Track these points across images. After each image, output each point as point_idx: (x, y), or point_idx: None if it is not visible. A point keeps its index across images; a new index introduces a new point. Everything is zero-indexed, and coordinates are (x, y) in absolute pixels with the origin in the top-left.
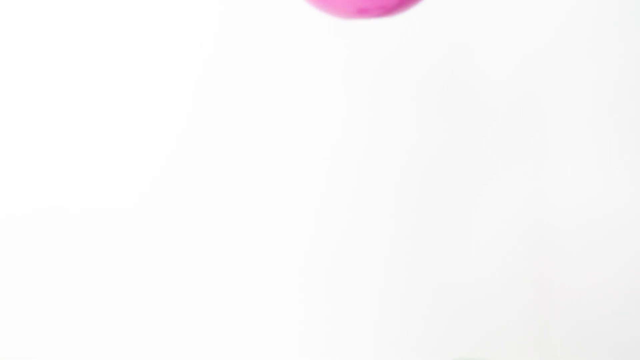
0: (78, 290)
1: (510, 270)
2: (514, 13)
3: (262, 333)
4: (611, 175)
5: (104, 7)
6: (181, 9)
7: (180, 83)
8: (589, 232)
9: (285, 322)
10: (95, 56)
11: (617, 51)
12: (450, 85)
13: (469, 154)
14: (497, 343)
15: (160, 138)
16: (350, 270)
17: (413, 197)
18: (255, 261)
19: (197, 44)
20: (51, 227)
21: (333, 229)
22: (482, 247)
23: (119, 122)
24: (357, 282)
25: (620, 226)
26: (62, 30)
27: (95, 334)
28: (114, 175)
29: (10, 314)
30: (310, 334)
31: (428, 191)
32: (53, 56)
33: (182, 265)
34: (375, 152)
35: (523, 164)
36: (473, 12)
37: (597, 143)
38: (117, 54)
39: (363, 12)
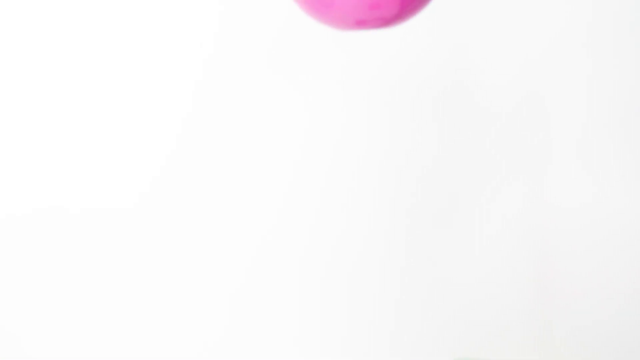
0: (78, 290)
1: (511, 270)
2: (514, 16)
3: (262, 332)
4: (614, 177)
5: (104, 7)
6: (180, 11)
7: (180, 83)
8: (591, 233)
9: (285, 322)
10: (95, 56)
11: (619, 53)
12: (451, 88)
13: (471, 155)
14: (498, 343)
15: (160, 138)
16: (350, 271)
17: (414, 198)
18: (254, 261)
19: (197, 44)
20: (51, 227)
21: (331, 230)
22: (484, 246)
23: (118, 122)
24: (357, 282)
25: (622, 227)
26: (62, 30)
27: (95, 334)
28: (114, 175)
29: (10, 314)
30: (310, 334)
31: (430, 191)
32: (53, 56)
33: (182, 265)
34: (374, 153)
35: (525, 166)
36: (472, 17)
37: (600, 145)
38: (117, 54)
39: (361, 23)
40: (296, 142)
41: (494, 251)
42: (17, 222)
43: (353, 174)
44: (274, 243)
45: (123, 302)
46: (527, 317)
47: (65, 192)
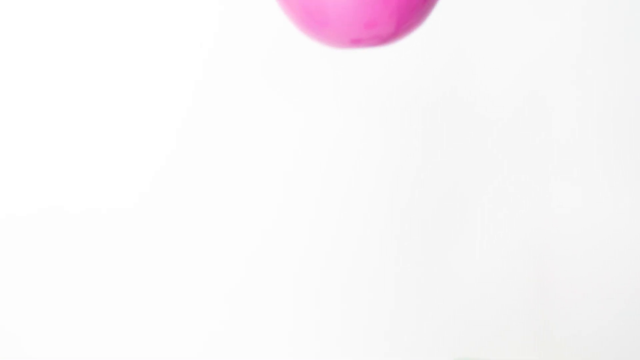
0: (78, 291)
1: (511, 270)
2: (513, 23)
3: (262, 332)
4: (614, 179)
5: (103, 7)
6: (180, 11)
7: (180, 83)
8: (592, 234)
9: (284, 322)
10: (95, 56)
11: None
12: (449, 94)
13: (470, 157)
14: (498, 343)
15: (159, 138)
16: (349, 271)
17: (414, 198)
18: (254, 261)
19: (197, 44)
20: (51, 227)
21: (329, 231)
22: (484, 246)
23: (118, 122)
24: (356, 282)
25: (623, 228)
26: (62, 30)
27: (95, 334)
28: (113, 176)
29: (10, 314)
30: (308, 334)
31: (429, 192)
32: (52, 56)
33: (182, 265)
34: (370, 153)
35: (525, 167)
36: (470, 24)
37: (599, 149)
38: (117, 54)
39: (357, 42)
40: (295, 141)
41: (494, 251)
42: (17, 222)
43: (350, 173)
44: (272, 243)
45: (123, 302)
46: (527, 317)
47: (65, 192)
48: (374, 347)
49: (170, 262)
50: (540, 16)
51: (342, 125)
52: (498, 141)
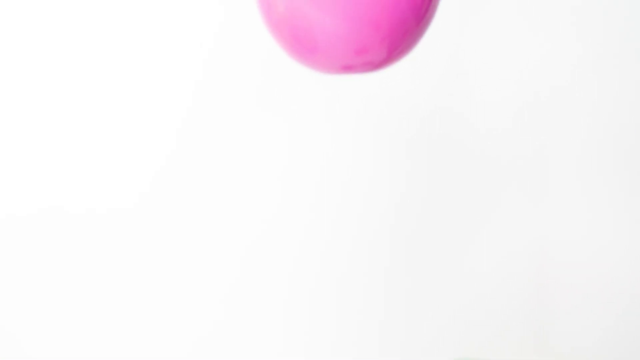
0: (78, 291)
1: (511, 270)
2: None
3: (263, 332)
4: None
5: (103, 7)
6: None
7: (180, 83)
8: (590, 239)
9: (285, 322)
10: (95, 56)
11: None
12: (442, 111)
13: (471, 159)
14: (498, 343)
15: (159, 138)
16: (349, 271)
17: (414, 202)
18: (253, 261)
19: (197, 44)
20: (51, 227)
21: (327, 232)
22: (484, 247)
23: (118, 122)
24: (356, 282)
25: (621, 233)
26: (62, 30)
27: (95, 334)
28: (114, 176)
29: (10, 314)
30: (308, 335)
31: (430, 195)
32: (53, 56)
33: (182, 265)
34: (369, 154)
35: (526, 169)
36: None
37: (600, 157)
38: (117, 55)
39: (348, 68)
40: (295, 141)
41: (494, 251)
42: (17, 222)
43: (348, 174)
44: (270, 244)
45: (123, 302)
46: (527, 317)
47: (65, 192)
48: (374, 347)
49: (169, 262)
50: (535, 29)
51: (341, 126)
52: (497, 149)
